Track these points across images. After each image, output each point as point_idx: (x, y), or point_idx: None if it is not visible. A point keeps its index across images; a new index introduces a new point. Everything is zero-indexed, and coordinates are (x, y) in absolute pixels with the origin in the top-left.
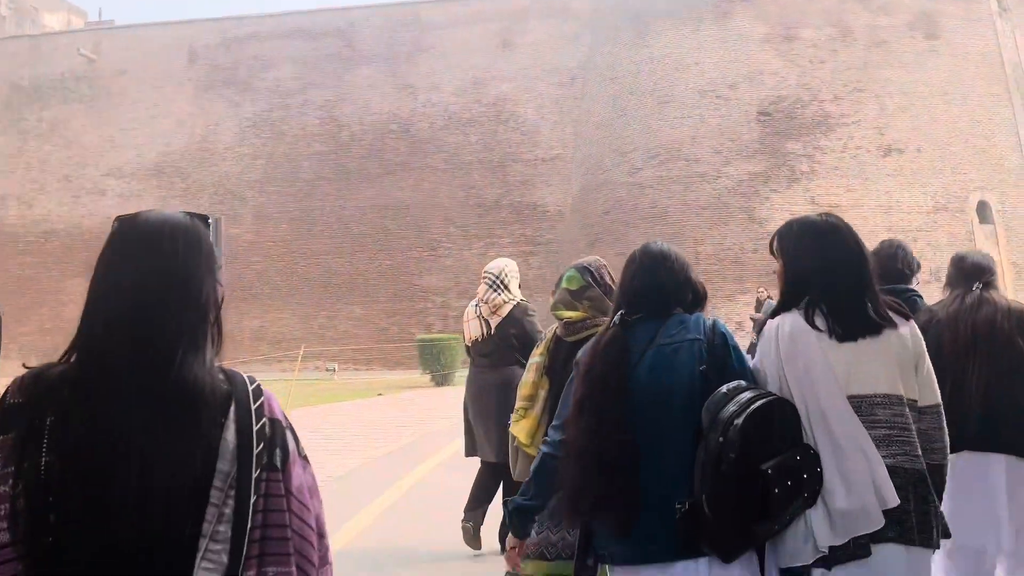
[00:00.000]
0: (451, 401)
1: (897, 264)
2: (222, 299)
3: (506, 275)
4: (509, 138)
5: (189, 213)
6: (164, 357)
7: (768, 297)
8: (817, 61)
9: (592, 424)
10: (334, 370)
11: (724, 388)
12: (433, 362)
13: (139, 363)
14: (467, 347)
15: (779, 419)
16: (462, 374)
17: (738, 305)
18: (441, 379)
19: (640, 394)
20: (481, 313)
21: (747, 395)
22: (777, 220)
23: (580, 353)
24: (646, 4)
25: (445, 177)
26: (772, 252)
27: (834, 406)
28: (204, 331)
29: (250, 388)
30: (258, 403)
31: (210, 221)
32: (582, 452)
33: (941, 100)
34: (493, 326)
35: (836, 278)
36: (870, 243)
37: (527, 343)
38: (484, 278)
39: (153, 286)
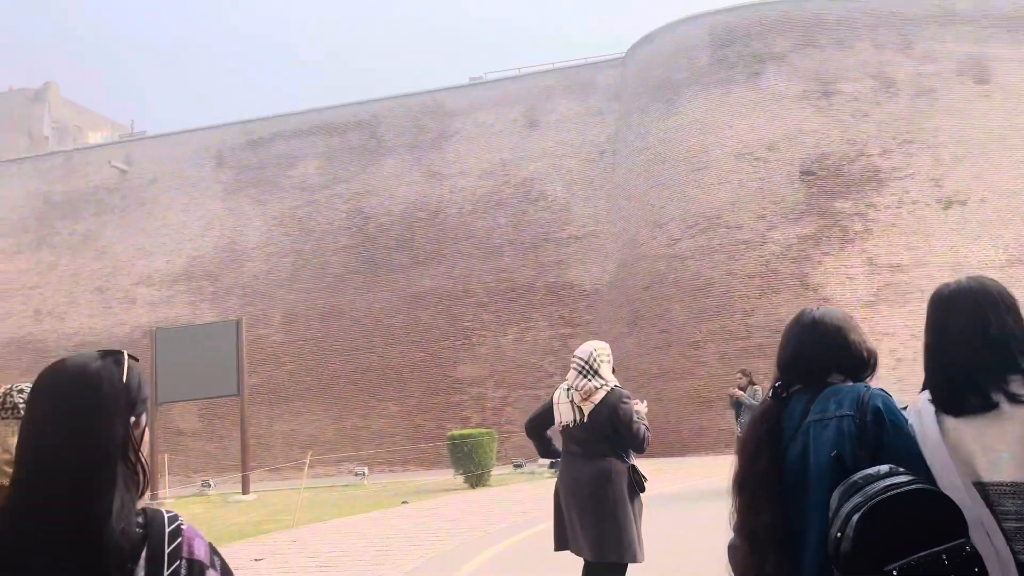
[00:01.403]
0: (481, 508)
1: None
2: (141, 436)
3: (596, 359)
4: (540, 218)
5: (104, 352)
6: (66, 509)
7: (750, 383)
8: (860, 115)
9: (747, 502)
10: (364, 475)
11: (857, 475)
12: (466, 461)
13: (42, 517)
14: (560, 431)
15: (926, 511)
16: (499, 474)
17: None
18: (475, 480)
19: (789, 475)
20: (573, 399)
21: (883, 484)
22: (833, 285)
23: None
24: (672, 72)
25: (476, 262)
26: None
27: (955, 495)
28: (109, 476)
29: (167, 529)
30: (173, 545)
31: (125, 357)
32: (740, 530)
33: (1000, 146)
34: (586, 413)
35: (967, 350)
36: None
37: (624, 432)
38: (573, 363)
39: (49, 436)
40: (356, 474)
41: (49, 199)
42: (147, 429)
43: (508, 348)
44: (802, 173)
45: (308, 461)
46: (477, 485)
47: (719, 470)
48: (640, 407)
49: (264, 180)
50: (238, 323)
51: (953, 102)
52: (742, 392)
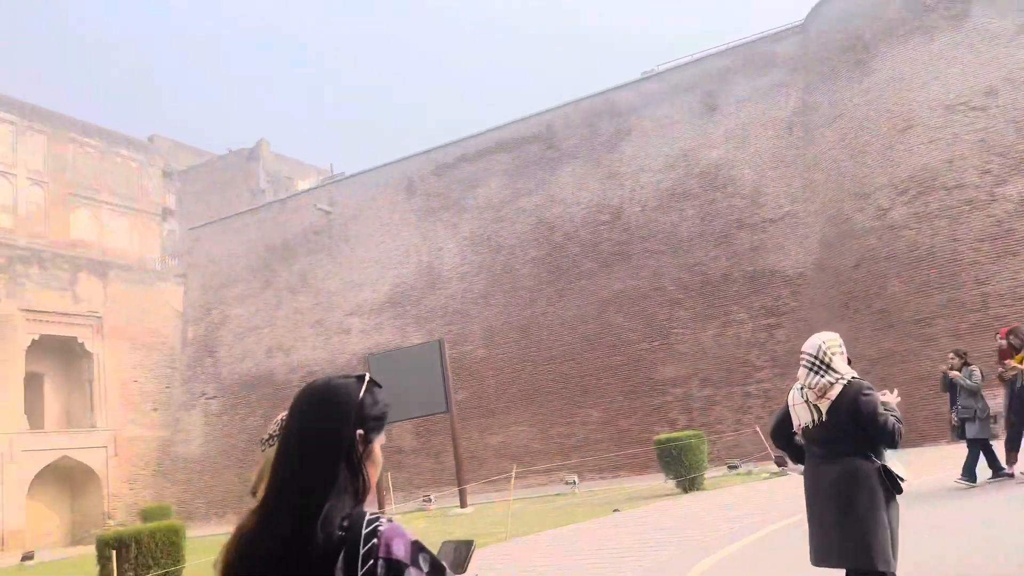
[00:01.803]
0: (694, 514)
1: None
2: (365, 449)
3: (826, 352)
4: (730, 204)
5: (346, 376)
6: (291, 506)
7: (965, 364)
8: None
9: None
10: (574, 483)
11: None
12: (676, 465)
13: (275, 513)
14: (799, 434)
15: None
16: (713, 477)
17: None
18: (688, 484)
19: None
20: (808, 398)
21: None
22: None
23: None
24: (861, 28)
25: (665, 259)
26: None
27: None
28: (330, 477)
29: (363, 530)
30: (368, 545)
31: (366, 376)
32: None
33: None
34: (824, 411)
35: None
36: None
37: (868, 427)
38: (802, 360)
39: (292, 439)
40: (567, 483)
41: (269, 245)
42: (375, 447)
43: (709, 344)
44: None
45: (514, 474)
46: (690, 489)
47: (959, 460)
48: (888, 398)
49: (452, 203)
50: (440, 343)
51: None
52: (957, 372)
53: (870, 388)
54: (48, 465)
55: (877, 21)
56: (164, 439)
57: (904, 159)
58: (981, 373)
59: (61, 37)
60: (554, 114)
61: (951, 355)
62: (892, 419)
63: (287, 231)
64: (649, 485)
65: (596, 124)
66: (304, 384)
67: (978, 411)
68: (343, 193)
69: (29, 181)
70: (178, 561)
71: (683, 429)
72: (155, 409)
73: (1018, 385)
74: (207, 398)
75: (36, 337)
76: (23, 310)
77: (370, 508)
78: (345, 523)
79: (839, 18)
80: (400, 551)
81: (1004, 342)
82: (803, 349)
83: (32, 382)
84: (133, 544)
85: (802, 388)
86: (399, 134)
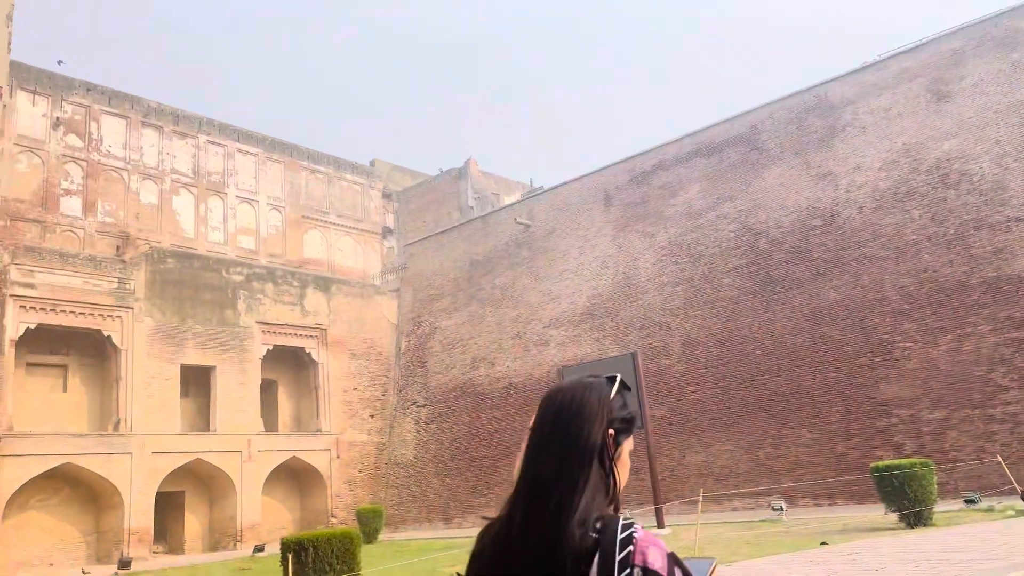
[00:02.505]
0: (912, 554)
1: None
2: (615, 450)
3: None
4: (964, 203)
5: (596, 376)
6: (541, 511)
7: None
8: None
9: None
10: (781, 509)
11: None
12: (898, 496)
13: (525, 512)
14: None
15: None
16: (946, 511)
17: None
18: (913, 519)
19: None
20: None
21: None
22: None
23: None
24: None
25: (887, 265)
26: None
27: None
28: (583, 476)
29: (619, 536)
30: (624, 552)
31: (617, 377)
32: None
33: None
34: None
35: None
36: None
37: None
38: None
39: (543, 438)
40: (774, 508)
41: (474, 260)
42: (624, 450)
43: (942, 361)
44: None
45: (701, 496)
46: (916, 524)
47: None
48: None
49: (649, 213)
50: (634, 355)
51: None
52: None
53: None
54: (280, 465)
55: None
56: (380, 444)
57: None
58: None
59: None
60: (759, 113)
61: None
62: None
63: (490, 245)
64: (868, 516)
65: (805, 121)
66: (551, 390)
67: None
68: (542, 206)
69: (269, 207)
70: (352, 568)
71: (910, 455)
72: (372, 415)
73: None
74: (417, 406)
75: (270, 347)
76: (259, 323)
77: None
78: (598, 525)
79: None
80: (658, 562)
81: None
82: None
83: (268, 389)
84: (311, 549)
85: None
86: (598, 147)
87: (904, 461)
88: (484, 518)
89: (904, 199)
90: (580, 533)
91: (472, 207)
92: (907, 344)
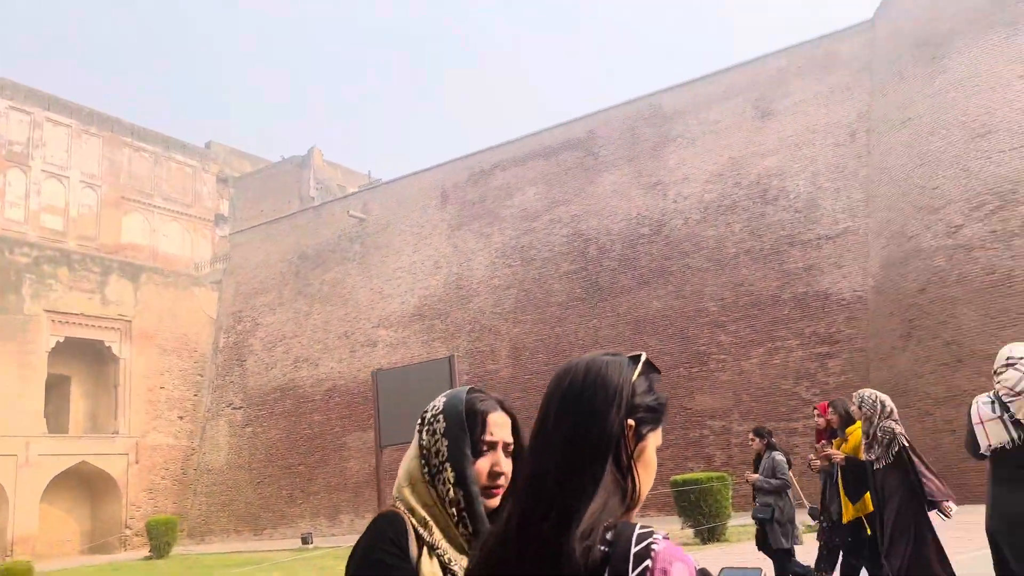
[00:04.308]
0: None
1: None
2: (636, 445)
3: None
4: (780, 219)
5: (615, 353)
6: (541, 519)
7: (767, 446)
8: None
9: None
10: None
11: None
12: (694, 510)
13: (521, 522)
14: (980, 454)
15: None
16: (741, 525)
17: None
18: (707, 534)
19: None
20: (1009, 412)
21: None
22: None
23: None
24: (936, 22)
25: (708, 277)
26: None
27: None
28: (595, 473)
29: (632, 549)
30: (638, 570)
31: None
32: None
33: None
34: None
35: None
36: None
37: None
38: (1011, 364)
39: (548, 425)
40: None
41: (303, 253)
42: (648, 445)
43: (753, 373)
44: None
45: None
46: (710, 539)
47: None
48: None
49: (486, 213)
50: (450, 359)
51: None
52: (754, 475)
53: None
54: (67, 471)
55: (954, 13)
56: (188, 449)
57: (981, 169)
58: (789, 460)
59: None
60: (594, 119)
61: (751, 437)
62: None
63: (321, 239)
64: (669, 531)
65: (639, 130)
66: (562, 368)
67: (777, 511)
68: (378, 200)
69: (82, 184)
70: None
71: (719, 468)
72: (181, 417)
73: (834, 479)
74: (232, 408)
75: (61, 339)
76: (49, 311)
77: (639, 521)
78: (609, 536)
79: (912, 12)
80: None
81: (822, 420)
82: (1012, 354)
83: (59, 385)
84: None
85: (992, 402)
86: (437, 141)
87: (701, 475)
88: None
89: (727, 212)
90: (585, 547)
91: (314, 198)
92: (722, 356)
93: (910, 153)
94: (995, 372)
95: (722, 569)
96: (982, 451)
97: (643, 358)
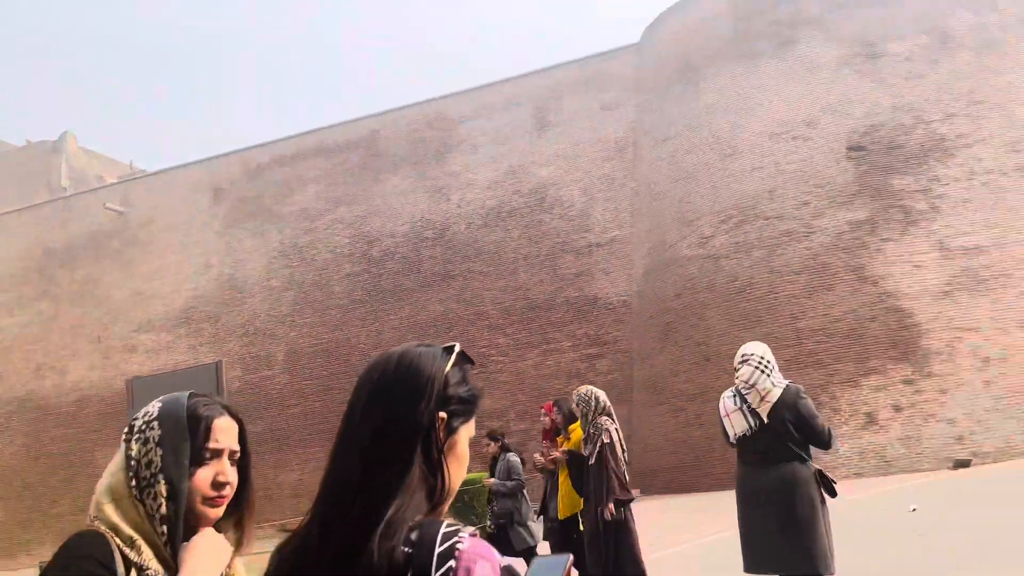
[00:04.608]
0: None
1: None
2: (447, 439)
3: (769, 359)
4: (556, 227)
5: (428, 344)
6: (342, 519)
7: (502, 448)
8: (915, 76)
9: None
10: None
11: None
12: (467, 512)
13: (321, 528)
14: (731, 443)
15: None
16: None
17: (863, 391)
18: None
19: None
20: (747, 403)
21: None
22: (897, 275)
23: None
24: (693, 50)
25: (488, 281)
26: None
27: None
28: (397, 475)
29: (436, 549)
30: (442, 570)
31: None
32: None
33: None
34: (764, 415)
35: None
36: None
37: (808, 432)
38: (746, 360)
39: (355, 416)
40: None
41: (49, 248)
42: (460, 438)
43: (528, 374)
44: (849, 149)
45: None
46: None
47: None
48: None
49: (263, 210)
50: (217, 365)
51: (1022, 54)
52: (491, 480)
53: (805, 392)
54: None
55: (706, 44)
56: None
57: (727, 186)
58: (523, 460)
59: None
60: (380, 120)
61: (486, 439)
62: (826, 425)
63: (72, 233)
64: None
65: (424, 133)
66: (372, 360)
67: (516, 512)
68: (140, 193)
69: None
70: None
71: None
72: None
73: (555, 478)
74: None
75: None
76: None
77: (447, 518)
78: (413, 536)
79: (672, 39)
80: None
81: (548, 419)
82: (746, 351)
83: None
84: None
85: (735, 396)
86: (207, 134)
87: (474, 476)
88: (284, 530)
89: (506, 218)
90: (386, 548)
91: (67, 188)
92: (500, 358)
93: (670, 169)
94: (735, 369)
95: (534, 558)
96: (731, 440)
97: (457, 348)
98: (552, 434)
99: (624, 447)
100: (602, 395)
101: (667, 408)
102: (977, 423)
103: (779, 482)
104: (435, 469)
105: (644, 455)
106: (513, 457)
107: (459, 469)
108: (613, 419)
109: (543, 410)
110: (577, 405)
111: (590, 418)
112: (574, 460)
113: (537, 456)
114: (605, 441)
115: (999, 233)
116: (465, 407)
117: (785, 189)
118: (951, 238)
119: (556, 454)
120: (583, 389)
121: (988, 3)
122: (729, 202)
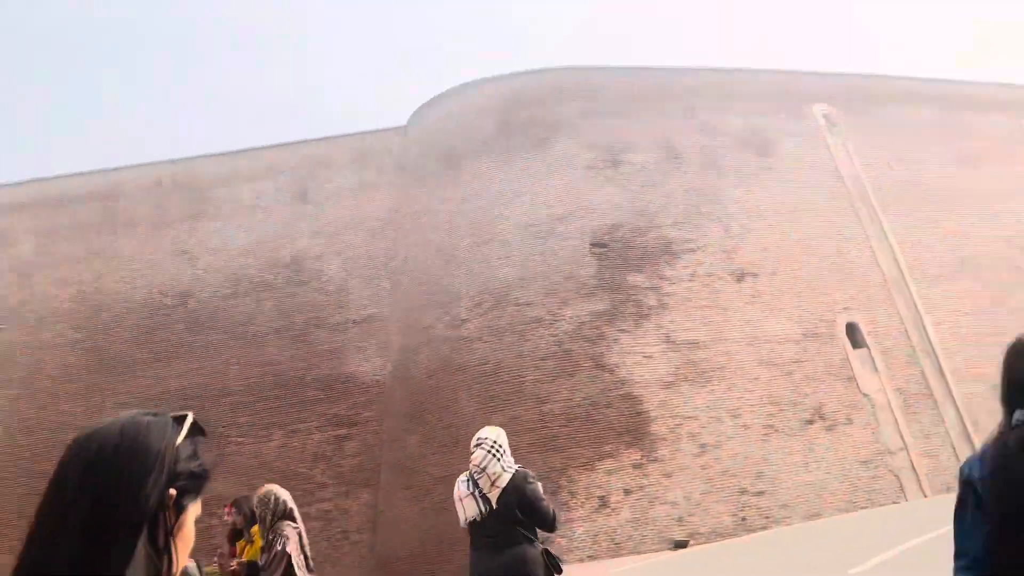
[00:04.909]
0: None
1: None
2: (176, 519)
3: (502, 442)
4: (312, 301)
5: (157, 413)
6: None
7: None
8: (650, 185)
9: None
10: None
11: None
12: None
13: None
14: (465, 527)
15: None
16: None
17: (598, 475)
18: None
19: None
20: (479, 488)
21: None
22: (629, 364)
23: (971, 468)
24: (457, 139)
25: (234, 354)
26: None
27: None
28: (117, 563)
29: None
30: None
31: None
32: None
33: (787, 218)
34: (494, 500)
35: None
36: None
37: (534, 515)
38: (480, 445)
39: (67, 496)
40: None
41: None
42: (188, 518)
43: (271, 456)
44: (593, 245)
45: None
46: None
47: None
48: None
49: None
50: None
51: (738, 174)
52: (226, 564)
53: (533, 476)
54: None
55: (468, 135)
56: None
57: (482, 271)
58: (298, 538)
59: None
60: (120, 174)
61: (227, 511)
62: (551, 506)
63: None
64: None
65: (172, 193)
66: (83, 433)
67: None
68: None
69: None
70: None
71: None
72: None
73: None
74: None
75: None
76: None
77: None
78: None
79: (436, 126)
80: None
81: (231, 519)
82: (481, 435)
83: None
84: None
85: (468, 481)
86: None
87: (211, 570)
88: None
89: (259, 289)
90: None
91: None
92: (240, 438)
93: (430, 250)
94: (471, 453)
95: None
96: (462, 524)
97: (190, 418)
98: (233, 537)
99: (308, 554)
100: (284, 495)
101: (414, 492)
102: (696, 505)
103: (509, 566)
104: (161, 554)
105: (389, 541)
106: (290, 533)
107: (185, 550)
108: (296, 522)
109: (225, 510)
110: (256, 508)
111: (268, 523)
112: (252, 573)
113: (215, 560)
114: (283, 550)
115: (714, 330)
116: (196, 483)
117: (534, 279)
118: (676, 332)
119: (234, 566)
120: (263, 490)
121: (712, 128)
122: (483, 287)
